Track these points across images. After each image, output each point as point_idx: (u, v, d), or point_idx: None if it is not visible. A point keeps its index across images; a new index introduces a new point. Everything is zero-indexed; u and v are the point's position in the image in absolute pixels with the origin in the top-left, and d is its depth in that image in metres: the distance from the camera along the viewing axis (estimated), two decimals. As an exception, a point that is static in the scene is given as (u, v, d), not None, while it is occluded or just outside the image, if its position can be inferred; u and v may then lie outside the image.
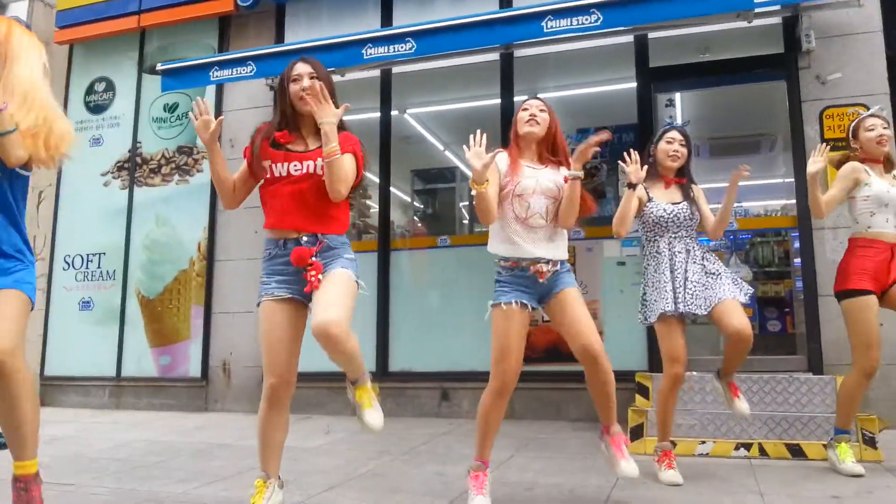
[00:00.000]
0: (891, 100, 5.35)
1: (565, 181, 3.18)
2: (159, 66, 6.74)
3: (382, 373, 6.36)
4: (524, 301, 3.16)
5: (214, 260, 7.08)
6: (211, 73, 6.37)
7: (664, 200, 3.76)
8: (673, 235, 3.73)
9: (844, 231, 5.20)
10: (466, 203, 7.59)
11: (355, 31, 6.12)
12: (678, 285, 3.64)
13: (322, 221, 2.90)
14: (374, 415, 2.92)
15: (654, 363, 5.48)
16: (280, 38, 7.26)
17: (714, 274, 3.66)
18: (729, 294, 3.59)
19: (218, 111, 7.35)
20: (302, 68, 2.93)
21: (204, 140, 2.94)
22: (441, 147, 7.77)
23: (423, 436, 5.15)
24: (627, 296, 5.72)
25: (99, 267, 7.58)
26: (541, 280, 3.16)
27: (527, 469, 3.98)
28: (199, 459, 4.45)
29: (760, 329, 6.03)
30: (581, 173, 3.13)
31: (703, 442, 4.35)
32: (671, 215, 3.71)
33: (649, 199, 3.78)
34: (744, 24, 5.55)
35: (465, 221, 7.61)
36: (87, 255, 7.65)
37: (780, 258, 6.42)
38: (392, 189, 6.88)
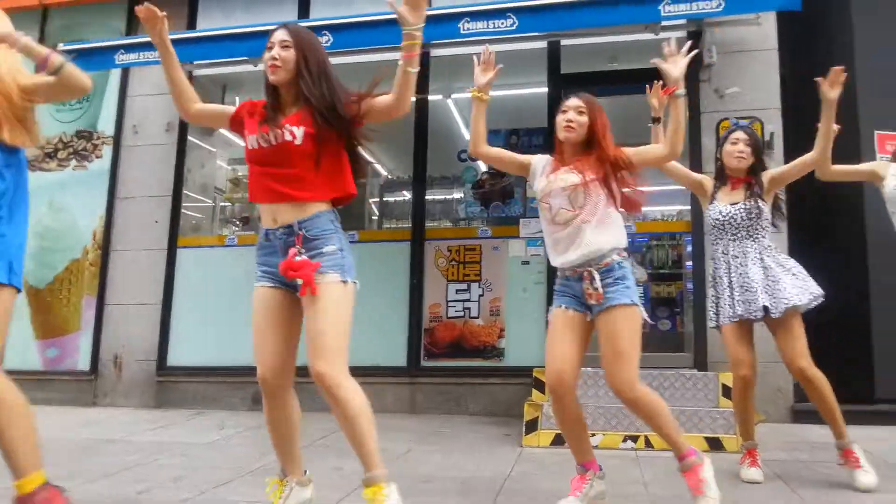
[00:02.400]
0: (782, 115, 5.66)
1: (667, 93, 3.07)
2: (61, 47, 6.39)
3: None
4: (568, 305, 2.99)
5: (110, 250, 6.78)
6: (116, 57, 6.12)
7: (724, 202, 3.69)
8: (731, 238, 3.65)
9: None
10: (377, 199, 7.55)
11: (270, 22, 6.00)
12: (735, 291, 3.59)
13: (303, 190, 2.64)
14: None
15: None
16: (192, 25, 7.05)
17: (772, 276, 3.54)
18: (789, 299, 3.46)
19: (123, 96, 7.08)
20: (276, 35, 2.71)
21: (153, 38, 2.78)
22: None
23: (321, 430, 5.06)
24: (529, 294, 5.86)
25: (-17, 253, 7.14)
26: (590, 301, 2.94)
27: (425, 462, 3.98)
28: (83, 455, 4.24)
29: (652, 328, 6.24)
30: (684, 91, 3.06)
31: (594, 434, 4.44)
32: (726, 217, 3.64)
33: (711, 201, 3.75)
34: (651, 35, 5.74)
35: (375, 217, 7.56)
36: (-28, 239, 7.19)
37: (674, 261, 6.66)
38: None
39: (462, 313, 5.99)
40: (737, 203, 3.65)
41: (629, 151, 3.06)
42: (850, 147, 4.46)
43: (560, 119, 3.08)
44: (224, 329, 6.43)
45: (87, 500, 3.20)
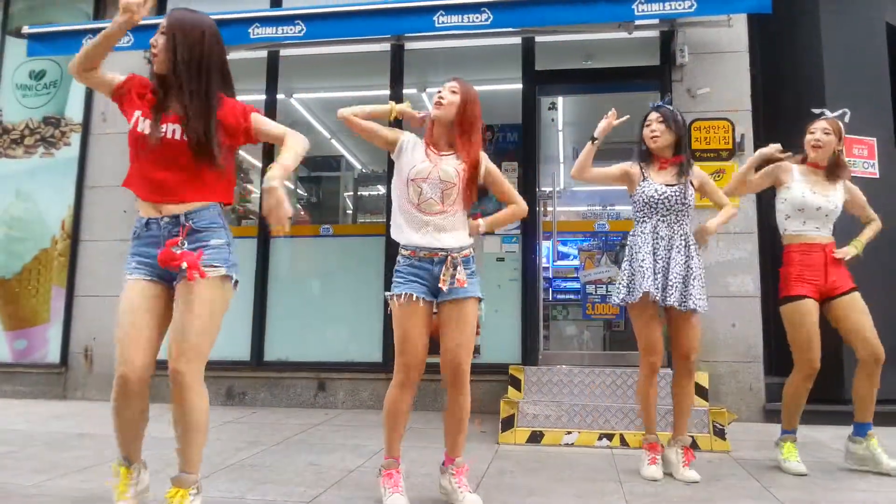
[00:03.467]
0: (753, 116, 5.77)
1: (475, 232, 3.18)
2: (26, 29, 6.25)
3: (257, 362, 6.22)
4: (418, 294, 3.03)
5: (79, 239, 6.67)
6: (84, 41, 5.96)
7: (659, 181, 3.74)
8: (661, 218, 3.70)
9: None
10: (351, 193, 7.53)
11: (242, 9, 5.94)
12: (658, 271, 3.64)
13: (187, 191, 2.62)
14: None
15: (527, 356, 5.68)
16: (162, 10, 6.92)
17: (690, 273, 3.63)
18: (695, 302, 3.59)
19: (90, 82, 6.93)
20: (162, 23, 2.65)
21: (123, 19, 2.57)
22: (328, 135, 7.67)
23: (297, 426, 5.08)
24: (504, 291, 5.90)
25: (-53, 242, 6.98)
26: (442, 287, 3.03)
27: (401, 459, 4.00)
28: (55, 450, 4.20)
29: (625, 325, 6.35)
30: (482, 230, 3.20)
31: (570, 432, 4.54)
32: (662, 196, 3.67)
33: (643, 178, 3.77)
34: (625, 34, 5.82)
35: (350, 211, 7.55)
36: (-66, 228, 7.02)
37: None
38: (275, 174, 6.71)
39: (437, 309, 6.00)
40: (673, 185, 3.71)
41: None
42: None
43: (435, 97, 3.16)
44: (196, 322, 6.38)
45: (61, 496, 3.18)
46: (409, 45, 6.47)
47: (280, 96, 6.79)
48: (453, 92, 3.14)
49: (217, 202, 2.71)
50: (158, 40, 2.64)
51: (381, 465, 3.16)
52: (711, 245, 5.52)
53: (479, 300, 3.14)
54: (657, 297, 3.62)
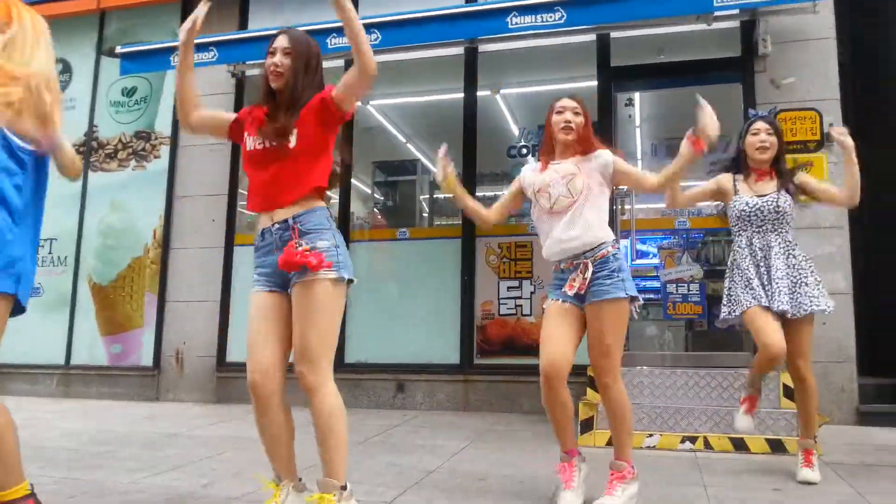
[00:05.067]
0: (842, 105, 5.51)
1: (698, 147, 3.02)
2: (119, 49, 6.60)
3: (338, 364, 6.33)
4: (562, 298, 3.09)
5: (169, 248, 6.98)
6: (172, 58, 6.26)
7: (749, 194, 3.67)
8: (756, 230, 3.63)
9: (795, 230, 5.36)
10: (427, 196, 7.59)
11: (319, 21, 6.08)
12: (764, 281, 3.57)
13: (288, 191, 2.69)
14: None
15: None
16: (244, 25, 7.18)
17: (798, 277, 3.55)
18: (813, 304, 3.51)
19: (178, 97, 7.24)
20: (278, 42, 2.75)
21: (181, 38, 2.82)
22: (403, 139, 7.75)
23: (377, 427, 5.15)
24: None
25: (50, 252, 7.42)
26: (570, 291, 3.06)
27: (480, 460, 4.01)
28: (149, 449, 4.39)
29: (709, 326, 6.15)
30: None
31: (651, 435, 4.43)
32: (753, 209, 3.61)
33: (735, 193, 3.72)
34: (703, 26, 5.65)
35: (426, 214, 7.61)
36: (40, 239, 7.47)
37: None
38: (353, 181, 6.86)
39: (514, 311, 6.00)
40: (764, 196, 3.62)
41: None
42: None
43: (558, 120, 3.18)
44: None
45: (154, 493, 3.32)
46: (482, 48, 6.48)
47: (357, 104, 6.90)
48: (577, 113, 3.18)
49: (324, 205, 2.77)
50: (284, 61, 2.72)
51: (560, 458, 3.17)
52: (799, 241, 5.29)
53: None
54: (767, 304, 3.51)
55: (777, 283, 3.52)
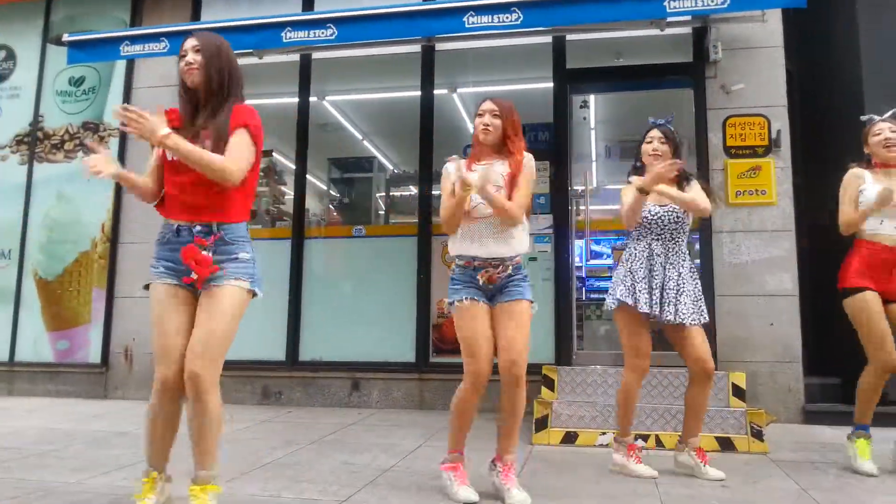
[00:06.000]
0: (789, 111, 5.68)
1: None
2: (66, 37, 6.41)
3: (292, 362, 6.30)
4: (475, 297, 3.21)
5: (118, 242, 6.82)
6: (121, 48, 6.13)
7: (653, 202, 3.68)
8: (655, 238, 3.68)
9: (741, 234, 5.51)
10: (383, 194, 7.58)
11: (275, 14, 6.02)
12: (653, 286, 3.63)
13: (218, 207, 2.75)
14: None
15: (561, 356, 5.66)
16: (196, 17, 7.06)
17: (682, 287, 3.62)
18: (689, 317, 3.58)
19: (128, 87, 7.08)
20: (187, 43, 2.82)
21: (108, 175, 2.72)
22: (360, 136, 7.72)
23: (331, 425, 5.13)
24: (539, 291, 5.82)
25: (-8, 246, 7.18)
26: (489, 285, 3.22)
27: (435, 458, 4.00)
28: (96, 448, 4.30)
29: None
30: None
31: (604, 433, 4.51)
32: (655, 217, 3.66)
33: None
34: (657, 31, 5.77)
35: (382, 212, 7.59)
36: (-19, 232, 7.23)
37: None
38: (308, 177, 6.80)
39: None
40: (665, 205, 3.67)
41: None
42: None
43: (477, 122, 3.33)
44: (232, 323, 6.48)
45: (100, 493, 3.25)
46: (439, 46, 6.49)
47: (313, 99, 6.86)
48: (495, 115, 3.30)
49: (243, 221, 2.85)
50: (196, 57, 2.78)
51: (446, 459, 3.31)
52: (742, 242, 5.46)
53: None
54: (652, 312, 3.61)
55: (667, 293, 3.61)
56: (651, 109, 3.87)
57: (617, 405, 3.82)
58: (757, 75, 5.73)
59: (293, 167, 6.81)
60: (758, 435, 4.37)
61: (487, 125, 3.29)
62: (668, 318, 3.59)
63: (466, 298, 3.21)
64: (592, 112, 7.68)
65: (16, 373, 6.84)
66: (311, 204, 7.01)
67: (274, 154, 7.36)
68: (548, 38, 6.22)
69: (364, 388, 6.08)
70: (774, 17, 5.74)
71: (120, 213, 6.86)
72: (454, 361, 5.96)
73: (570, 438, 4.54)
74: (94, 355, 6.71)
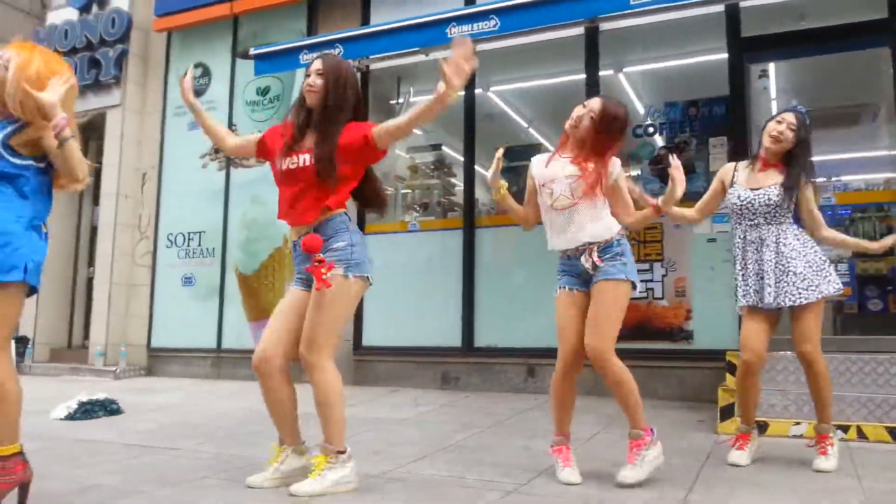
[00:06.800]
0: None
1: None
2: (252, 51, 6.98)
3: (468, 348, 6.46)
4: (569, 286, 3.32)
5: (307, 238, 7.30)
6: (300, 57, 6.56)
7: (744, 185, 3.60)
8: (749, 224, 3.57)
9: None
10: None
11: (439, 10, 6.17)
12: (751, 278, 3.54)
13: (314, 212, 3.03)
14: (306, 485, 3.00)
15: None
16: (366, 20, 7.39)
17: (786, 267, 3.47)
18: (799, 296, 3.44)
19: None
20: (313, 65, 3.12)
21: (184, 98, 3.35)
22: (525, 124, 7.73)
23: (508, 410, 5.22)
24: (718, 273, 5.59)
25: (200, 245, 7.99)
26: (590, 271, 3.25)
27: (614, 445, 3.97)
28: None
29: (860, 308, 5.77)
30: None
31: (797, 423, 4.24)
32: (744, 202, 3.56)
33: (732, 184, 3.66)
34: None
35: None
36: (189, 233, 8.07)
37: (882, 234, 6.12)
38: (476, 167, 6.93)
39: (645, 294, 5.84)
40: (758, 189, 3.55)
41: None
42: None
43: (569, 122, 3.33)
44: (413, 311, 6.78)
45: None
46: (603, 27, 6.34)
47: (478, 90, 6.97)
48: (590, 113, 3.28)
49: (343, 210, 3.12)
50: (317, 81, 3.07)
51: (553, 442, 3.40)
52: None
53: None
54: (756, 301, 3.53)
55: (766, 277, 3.49)
56: (840, 74, 3.59)
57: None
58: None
59: (461, 159, 6.96)
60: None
61: (580, 118, 3.28)
62: (768, 303, 3.47)
63: (560, 288, 3.35)
64: (773, 81, 7.17)
65: (222, 359, 7.59)
66: (481, 193, 7.14)
67: (443, 147, 7.56)
68: (720, 7, 5.86)
69: (539, 374, 6.12)
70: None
71: (306, 212, 7.35)
72: (631, 348, 5.83)
73: (759, 428, 4.29)
74: (290, 343, 7.25)
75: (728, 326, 5.47)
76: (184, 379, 7.57)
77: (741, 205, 3.57)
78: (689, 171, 6.05)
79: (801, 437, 4.17)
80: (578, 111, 3.30)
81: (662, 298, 5.82)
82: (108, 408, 5.27)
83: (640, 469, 3.14)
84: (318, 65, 3.10)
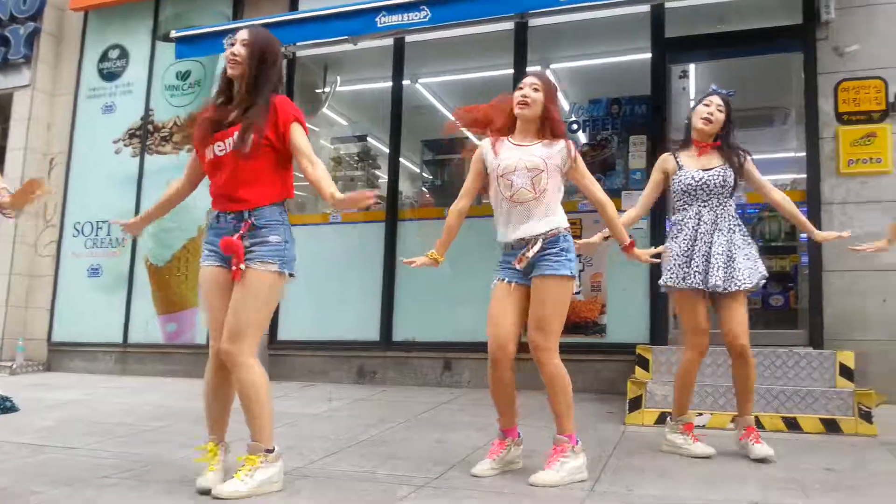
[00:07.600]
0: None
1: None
2: (173, 34, 6.70)
3: (386, 342, 6.38)
4: (508, 278, 3.27)
5: (222, 228, 7.08)
6: (224, 42, 6.32)
7: (695, 167, 3.65)
8: (703, 204, 3.61)
9: (853, 206, 5.15)
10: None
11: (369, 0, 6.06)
12: (699, 257, 3.55)
13: (250, 192, 2.91)
14: (231, 486, 2.83)
15: (656, 336, 5.48)
16: (294, 7, 7.19)
17: (737, 253, 3.54)
18: (742, 281, 3.49)
19: (229, 80, 7.33)
20: (239, 34, 2.99)
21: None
22: (451, 117, 7.70)
23: (424, 404, 5.17)
24: (631, 268, 5.64)
25: (108, 234, 7.63)
26: (518, 266, 3.22)
27: (531, 438, 3.87)
28: (203, 425, 4.47)
29: (763, 304, 5.96)
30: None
31: (701, 414, 4.32)
32: (699, 182, 3.60)
33: (679, 168, 3.70)
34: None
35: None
36: (97, 222, 7.69)
37: (787, 233, 6.34)
38: (401, 159, 6.85)
39: (579, 290, 5.86)
40: (710, 169, 3.61)
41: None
42: None
43: (516, 95, 3.26)
44: (330, 304, 6.64)
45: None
46: (532, 22, 6.35)
47: (406, 82, 6.89)
48: (535, 89, 3.23)
49: (279, 201, 3.00)
50: (241, 50, 2.92)
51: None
52: (855, 215, 5.11)
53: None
54: (697, 283, 3.54)
55: (716, 258, 3.49)
56: (756, 76, 3.66)
57: (674, 384, 3.77)
58: (874, 35, 5.31)
59: (387, 150, 6.87)
60: (866, 417, 4.11)
61: (526, 97, 3.22)
62: (715, 284, 3.48)
63: (499, 280, 3.32)
64: (693, 82, 7.34)
65: (128, 354, 7.27)
66: (405, 186, 7.06)
67: (368, 138, 7.45)
68: (646, 7, 5.93)
69: (456, 368, 6.08)
70: (896, -29, 5.29)
71: (224, 201, 7.12)
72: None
73: (664, 419, 4.35)
74: (201, 337, 6.99)
75: (639, 320, 5.59)
76: (87, 375, 7.20)
77: (696, 185, 3.60)
78: (608, 168, 6.14)
79: (704, 427, 4.24)
80: (524, 91, 3.22)
81: (579, 293, 5.86)
82: (1, 405, 4.95)
83: (555, 474, 3.06)
84: (244, 34, 2.97)
